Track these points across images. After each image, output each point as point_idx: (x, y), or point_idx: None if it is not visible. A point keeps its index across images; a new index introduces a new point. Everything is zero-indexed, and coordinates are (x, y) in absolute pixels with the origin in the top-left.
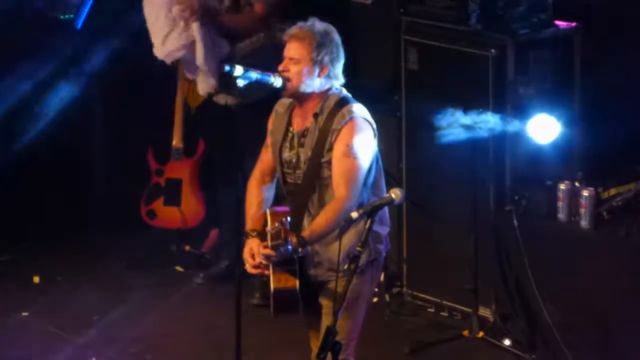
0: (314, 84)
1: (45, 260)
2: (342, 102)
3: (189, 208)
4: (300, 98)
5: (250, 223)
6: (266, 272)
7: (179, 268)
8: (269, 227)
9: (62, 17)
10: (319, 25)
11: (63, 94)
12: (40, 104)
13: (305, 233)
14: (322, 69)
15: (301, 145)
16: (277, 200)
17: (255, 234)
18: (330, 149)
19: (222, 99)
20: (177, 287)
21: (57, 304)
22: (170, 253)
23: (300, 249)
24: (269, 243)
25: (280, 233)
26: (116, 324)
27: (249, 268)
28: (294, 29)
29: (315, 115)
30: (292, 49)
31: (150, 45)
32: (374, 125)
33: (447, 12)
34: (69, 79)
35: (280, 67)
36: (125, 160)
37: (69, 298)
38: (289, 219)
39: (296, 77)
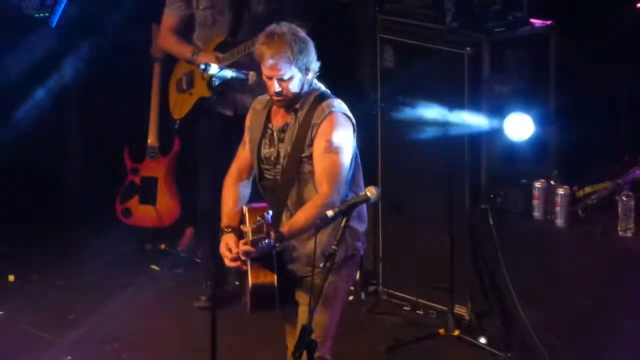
0: (305, 85)
1: (20, 259)
2: (322, 97)
3: (165, 206)
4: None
5: (225, 220)
6: (244, 266)
7: (154, 267)
8: (248, 224)
9: (37, 15)
10: (286, 33)
11: (38, 92)
12: (15, 102)
13: (284, 229)
14: (307, 70)
15: (281, 140)
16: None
17: (230, 230)
18: (311, 144)
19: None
20: (153, 285)
21: (32, 303)
22: (145, 252)
23: (277, 244)
24: (250, 237)
25: (263, 227)
26: (92, 323)
27: (227, 262)
28: (270, 48)
29: (295, 111)
30: (282, 69)
31: (125, 44)
32: (354, 121)
33: (423, 11)
34: (44, 78)
35: (273, 89)
36: (100, 158)
37: (44, 297)
38: (270, 212)
39: (293, 89)
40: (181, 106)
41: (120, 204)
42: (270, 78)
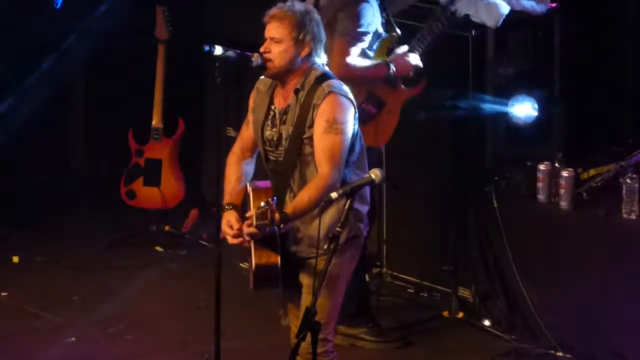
0: (296, 63)
1: (25, 240)
2: (323, 78)
3: (169, 188)
4: (282, 77)
5: (227, 197)
6: (246, 243)
7: (158, 248)
8: (252, 206)
9: None
10: (298, 5)
11: (42, 73)
12: (19, 83)
13: (288, 209)
14: (303, 49)
15: (283, 122)
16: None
17: (231, 207)
18: (312, 125)
19: None
20: (157, 267)
21: (36, 284)
22: (150, 233)
23: (282, 225)
24: (254, 222)
25: (267, 213)
26: (96, 304)
27: (230, 239)
28: (273, 10)
29: (296, 91)
30: (273, 29)
31: (130, 25)
32: (354, 102)
33: None
34: (49, 60)
35: (262, 49)
36: (105, 140)
37: (48, 278)
38: (275, 198)
39: (278, 57)
40: (382, 131)
41: (125, 185)
42: (266, 39)
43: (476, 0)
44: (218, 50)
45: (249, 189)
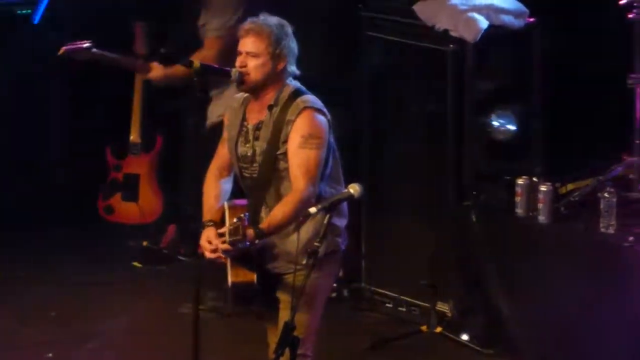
0: (272, 77)
1: (4, 256)
2: (296, 94)
3: (147, 203)
4: (257, 92)
5: (207, 214)
6: (222, 258)
7: (136, 264)
8: (227, 223)
9: (19, 12)
10: (272, 19)
11: (20, 89)
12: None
13: (263, 225)
14: (279, 63)
15: (256, 138)
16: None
17: (211, 224)
18: (286, 141)
19: None
20: (135, 282)
21: (14, 300)
22: (128, 248)
23: (257, 241)
24: (227, 239)
25: (239, 229)
26: (74, 320)
27: (207, 254)
28: (248, 24)
29: (270, 107)
30: (249, 44)
31: (107, 39)
32: (329, 116)
33: (407, 8)
34: (26, 74)
35: (238, 63)
36: (83, 155)
37: (25, 294)
38: (247, 214)
39: (254, 71)
40: None
41: (103, 200)
42: (241, 53)
43: (456, 14)
44: (197, 65)
45: (226, 206)
